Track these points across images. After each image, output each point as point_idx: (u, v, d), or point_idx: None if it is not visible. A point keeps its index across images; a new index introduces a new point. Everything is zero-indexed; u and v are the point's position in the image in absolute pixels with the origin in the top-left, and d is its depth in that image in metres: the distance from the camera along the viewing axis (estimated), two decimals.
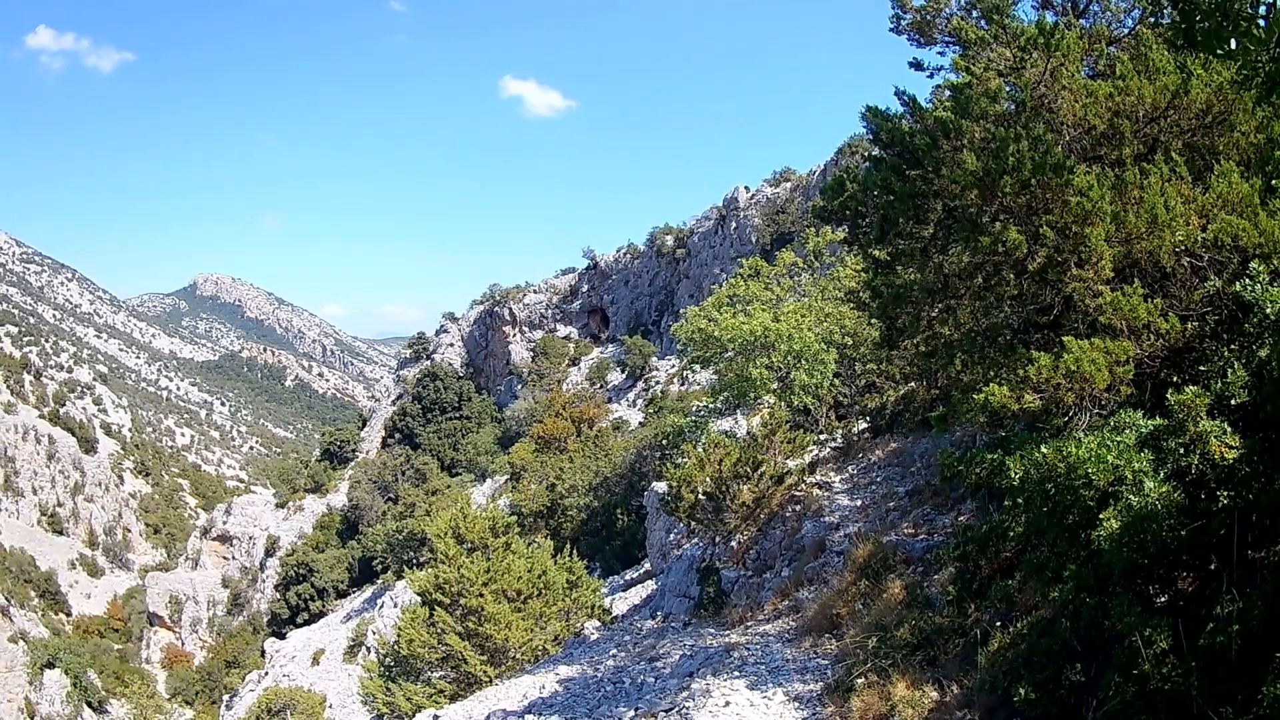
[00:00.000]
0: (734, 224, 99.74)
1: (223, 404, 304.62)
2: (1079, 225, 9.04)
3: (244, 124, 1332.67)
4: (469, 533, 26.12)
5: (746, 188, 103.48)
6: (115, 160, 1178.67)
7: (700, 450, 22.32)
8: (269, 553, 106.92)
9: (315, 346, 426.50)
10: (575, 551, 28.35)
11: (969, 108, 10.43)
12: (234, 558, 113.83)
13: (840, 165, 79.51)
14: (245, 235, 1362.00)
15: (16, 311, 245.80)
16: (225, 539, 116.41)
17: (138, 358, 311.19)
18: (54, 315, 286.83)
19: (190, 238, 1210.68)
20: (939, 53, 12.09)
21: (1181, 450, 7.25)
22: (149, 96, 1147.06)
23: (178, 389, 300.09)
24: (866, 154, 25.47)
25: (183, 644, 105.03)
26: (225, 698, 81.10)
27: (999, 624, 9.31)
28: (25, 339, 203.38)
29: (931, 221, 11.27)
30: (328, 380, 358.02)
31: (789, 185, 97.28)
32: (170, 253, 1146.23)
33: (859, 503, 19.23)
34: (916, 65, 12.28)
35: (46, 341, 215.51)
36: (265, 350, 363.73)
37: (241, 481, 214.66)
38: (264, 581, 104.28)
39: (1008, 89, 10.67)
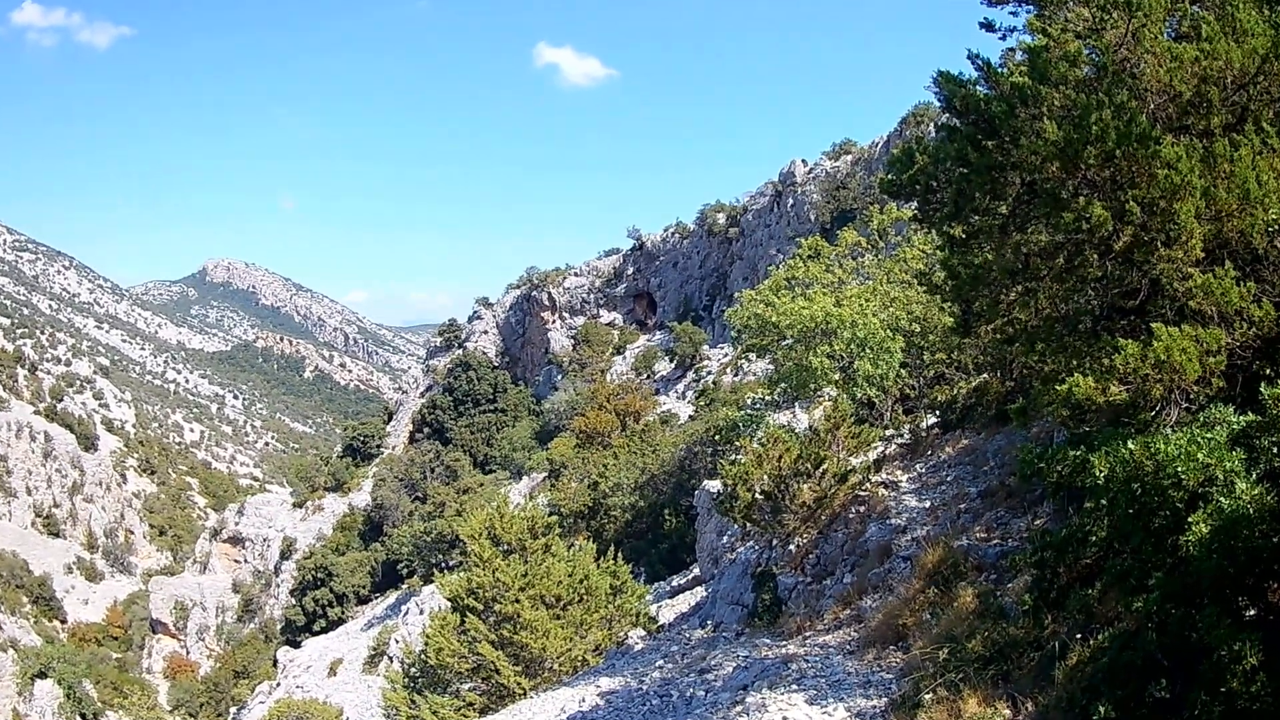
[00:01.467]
0: (791, 201, 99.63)
1: (235, 397, 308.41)
2: (1167, 201, 9.08)
3: (255, 99, 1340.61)
4: (505, 533, 26.38)
5: (804, 161, 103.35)
6: (115, 142, 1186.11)
7: (758, 445, 22.43)
8: (284, 555, 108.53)
9: (336, 335, 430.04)
10: (619, 555, 28.54)
11: (1047, 72, 10.47)
12: (246, 561, 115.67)
13: (905, 136, 79.26)
14: (259, 218, 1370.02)
15: (9, 302, 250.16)
16: (237, 541, 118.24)
17: (142, 349, 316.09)
18: (50, 306, 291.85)
19: (199, 222, 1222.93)
20: (1011, 12, 12.07)
21: (1275, 450, 7.27)
22: (150, 73, 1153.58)
23: (186, 382, 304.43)
24: (936, 123, 25.39)
25: (188, 653, 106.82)
26: (233, 710, 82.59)
27: (1078, 636, 9.34)
28: (19, 330, 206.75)
29: (1010, 196, 11.32)
30: (350, 371, 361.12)
31: (849, 158, 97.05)
32: (177, 238, 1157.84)
33: (927, 504, 19.21)
34: (987, 26, 12.26)
35: (42, 333, 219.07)
36: (282, 340, 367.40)
37: (255, 480, 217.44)
38: (278, 586, 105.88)
39: (1087, 52, 10.68)
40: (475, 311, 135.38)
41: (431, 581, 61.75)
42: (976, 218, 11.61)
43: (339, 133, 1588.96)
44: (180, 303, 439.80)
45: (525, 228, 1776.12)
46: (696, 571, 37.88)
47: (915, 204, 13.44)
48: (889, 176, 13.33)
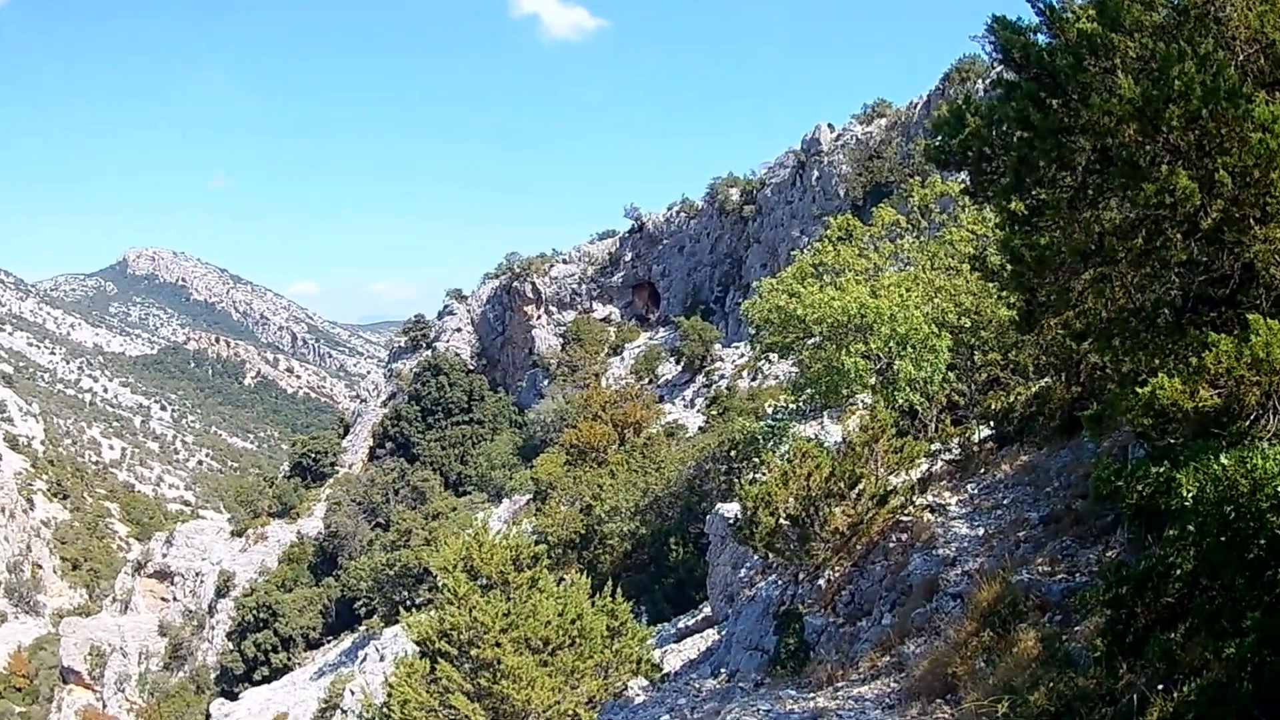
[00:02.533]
0: (816, 173, 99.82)
1: (163, 408, 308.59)
2: (1262, 170, 9.03)
3: (180, 61, 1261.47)
4: (485, 566, 26.25)
5: (830, 126, 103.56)
6: (12, 115, 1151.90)
7: (782, 461, 22.46)
8: (221, 593, 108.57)
9: (282, 335, 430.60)
10: (617, 591, 28.48)
11: (1119, 17, 10.43)
12: (175, 599, 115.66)
13: (949, 95, 79.21)
14: (188, 201, 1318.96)
15: None
16: (165, 576, 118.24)
17: (53, 353, 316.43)
18: None
19: (117, 206, 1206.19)
20: None
21: None
22: (50, 34, 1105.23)
23: (105, 391, 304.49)
24: (987, 79, 25.30)
25: (104, 706, 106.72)
26: None
27: (1159, 688, 9.27)
28: None
29: (1079, 165, 11.26)
30: (299, 376, 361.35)
31: (884, 122, 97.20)
32: (93, 225, 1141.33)
33: (981, 531, 19.31)
34: None
35: None
36: (217, 340, 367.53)
37: (187, 505, 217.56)
38: (213, 629, 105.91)
39: None
40: (446, 306, 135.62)
41: (395, 622, 61.77)
42: (1040, 190, 11.57)
43: (279, 99, 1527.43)
44: (97, 299, 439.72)
45: (504, 208, 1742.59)
46: (708, 611, 37.84)
47: (966, 175, 13.42)
48: (935, 142, 13.31)
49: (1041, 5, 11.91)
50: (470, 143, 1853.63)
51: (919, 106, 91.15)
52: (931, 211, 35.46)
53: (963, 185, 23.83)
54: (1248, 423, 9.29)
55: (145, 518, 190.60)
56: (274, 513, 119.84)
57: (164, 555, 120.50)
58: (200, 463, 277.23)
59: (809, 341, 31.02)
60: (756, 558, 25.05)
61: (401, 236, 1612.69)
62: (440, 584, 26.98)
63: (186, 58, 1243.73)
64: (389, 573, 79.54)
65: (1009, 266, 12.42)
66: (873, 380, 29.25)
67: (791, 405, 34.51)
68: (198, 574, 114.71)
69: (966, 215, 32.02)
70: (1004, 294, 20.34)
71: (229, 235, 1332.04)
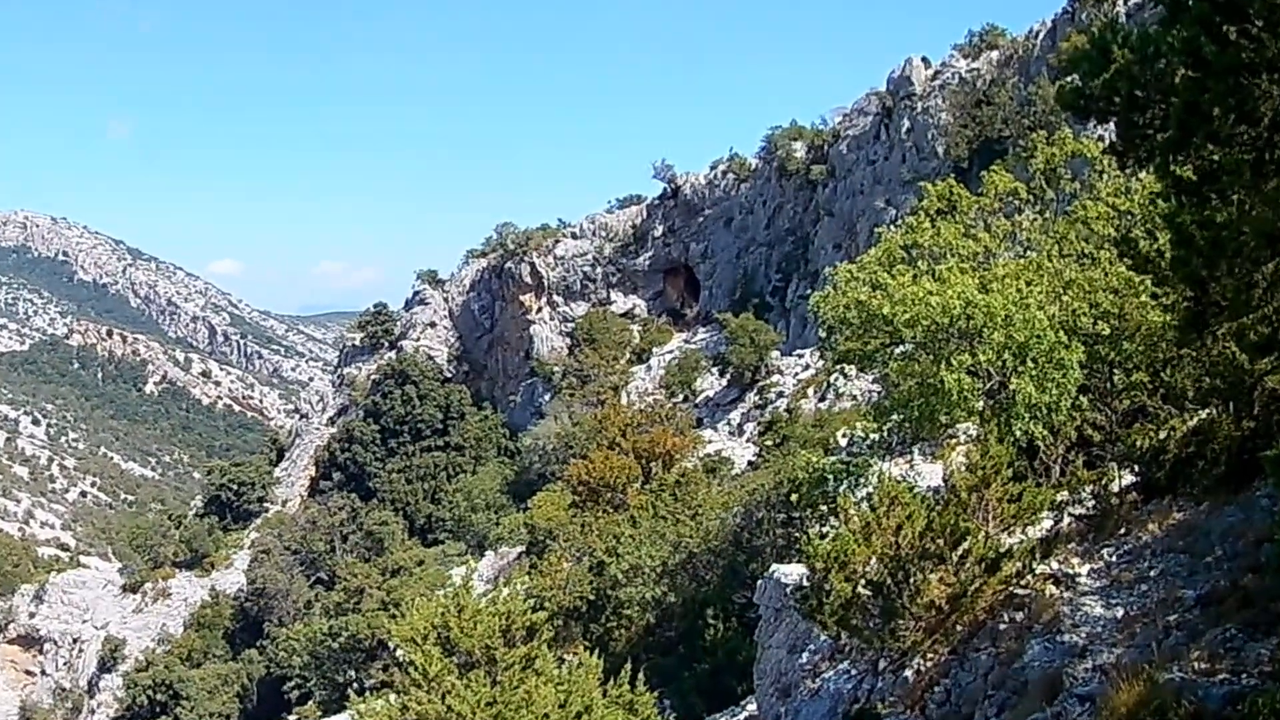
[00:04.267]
0: (906, 123, 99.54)
1: (36, 422, 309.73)
2: None
3: None
4: (465, 637, 25.99)
5: (925, 60, 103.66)
6: None
7: (865, 508, 22.42)
8: (106, 666, 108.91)
9: (197, 327, 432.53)
10: (636, 677, 28.29)
11: None
12: (44, 672, 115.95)
13: (1081, 21, 78.67)
14: (74, 153, 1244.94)
15: None
16: (31, 642, 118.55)
17: None
18: None
19: None
20: None
21: None
22: None
23: None
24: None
25: None
26: None
27: None
28: None
29: (1266, 116, 11.03)
30: (218, 383, 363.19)
31: (994, 56, 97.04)
32: None
33: (1119, 612, 19.27)
34: None
35: None
36: (110, 334, 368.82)
37: (64, 549, 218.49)
38: (94, 712, 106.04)
39: None
40: (417, 293, 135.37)
41: (339, 711, 61.70)
42: (1215, 149, 11.30)
43: (199, 21, 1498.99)
44: None
45: (495, 169, 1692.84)
46: (753, 708, 37.72)
47: (1111, 127, 13.19)
48: (1068, 83, 13.10)
49: None
50: (450, 72, 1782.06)
51: (1041, 35, 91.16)
52: (1060, 178, 35.06)
53: (1105, 143, 23.47)
54: None
55: (7, 565, 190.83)
56: (180, 562, 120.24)
57: (31, 615, 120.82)
58: (84, 494, 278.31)
59: (897, 350, 30.77)
60: (824, 638, 25.35)
61: (358, 200, 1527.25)
62: (404, 660, 26.85)
63: None
64: (332, 645, 79.71)
65: (1170, 252, 12.16)
66: (979, 404, 28.92)
67: (873, 435, 34.07)
68: (75, 640, 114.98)
69: (1107, 184, 31.71)
70: (1159, 291, 20.04)
71: (127, 198, 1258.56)
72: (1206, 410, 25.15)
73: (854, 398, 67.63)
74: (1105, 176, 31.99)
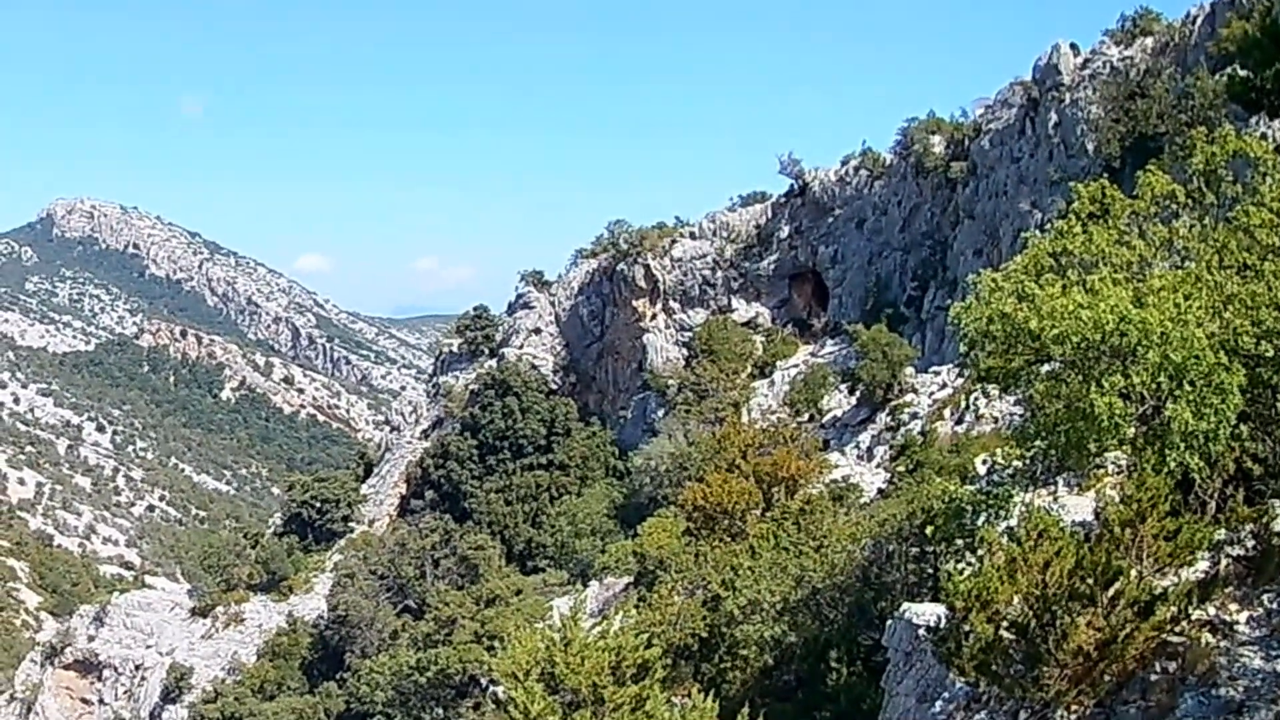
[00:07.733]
0: (1054, 116, 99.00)
1: (101, 429, 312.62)
2: None
3: None
4: (571, 675, 25.67)
5: (1074, 47, 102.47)
6: None
7: (1009, 543, 21.89)
8: (171, 696, 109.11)
9: (280, 329, 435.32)
10: None
11: None
12: (103, 701, 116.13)
13: (1244, 4, 76.64)
14: (145, 136, 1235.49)
15: None
16: (90, 668, 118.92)
17: None
18: None
19: (38, 140, 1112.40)
20: None
21: None
22: None
23: (16, 401, 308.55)
24: None
25: None
26: None
27: None
28: None
29: None
30: (301, 390, 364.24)
31: (1149, 43, 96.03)
32: (6, 170, 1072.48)
33: (1279, 665, 19.04)
34: None
35: None
36: (184, 334, 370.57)
37: (129, 568, 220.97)
38: None
39: None
40: (521, 296, 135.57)
41: None
42: None
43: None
44: (7, 270, 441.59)
45: (609, 155, 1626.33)
46: None
47: None
48: (1239, 73, 11.97)
49: None
50: (561, 56, 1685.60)
51: (1199, 21, 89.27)
52: (1220, 180, 33.62)
53: (1272, 141, 22.31)
54: None
55: (66, 584, 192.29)
56: (255, 585, 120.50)
57: (90, 639, 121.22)
58: (151, 508, 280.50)
59: (1043, 369, 29.50)
60: (960, 685, 24.44)
61: (457, 193, 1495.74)
62: (503, 698, 26.68)
63: None
64: (419, 680, 79.49)
65: None
66: (1131, 431, 27.59)
67: (1016, 463, 32.82)
68: (138, 667, 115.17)
69: (1273, 187, 30.28)
70: None
71: (204, 187, 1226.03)
72: None
73: (995, 420, 66.32)
74: (1271, 179, 30.67)
